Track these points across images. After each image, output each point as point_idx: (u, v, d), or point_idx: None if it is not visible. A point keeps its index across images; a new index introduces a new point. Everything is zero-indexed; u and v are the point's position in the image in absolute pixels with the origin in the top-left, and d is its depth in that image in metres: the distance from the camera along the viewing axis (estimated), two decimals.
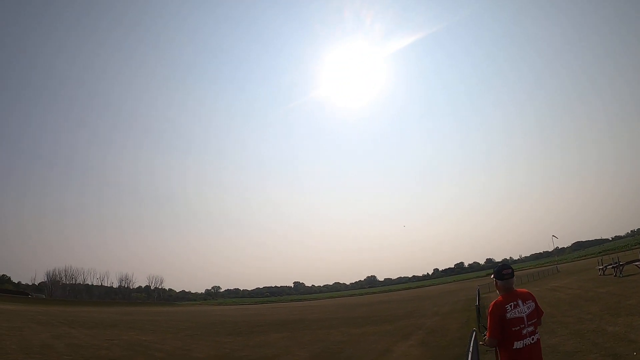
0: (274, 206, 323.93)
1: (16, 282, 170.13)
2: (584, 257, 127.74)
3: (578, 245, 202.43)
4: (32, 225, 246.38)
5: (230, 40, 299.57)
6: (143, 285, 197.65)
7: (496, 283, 5.41)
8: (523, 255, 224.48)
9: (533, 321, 5.11)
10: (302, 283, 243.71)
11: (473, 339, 6.21)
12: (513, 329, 4.96)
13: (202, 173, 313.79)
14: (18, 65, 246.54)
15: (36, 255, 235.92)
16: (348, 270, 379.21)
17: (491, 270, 5.65)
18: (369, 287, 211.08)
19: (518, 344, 4.93)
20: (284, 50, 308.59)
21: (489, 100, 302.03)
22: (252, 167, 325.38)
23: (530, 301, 5.20)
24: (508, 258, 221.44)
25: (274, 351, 18.61)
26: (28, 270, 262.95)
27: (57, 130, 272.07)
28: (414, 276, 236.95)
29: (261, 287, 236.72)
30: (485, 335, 5.36)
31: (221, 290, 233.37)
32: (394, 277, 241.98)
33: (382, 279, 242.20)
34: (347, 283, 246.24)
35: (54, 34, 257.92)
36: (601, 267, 40.34)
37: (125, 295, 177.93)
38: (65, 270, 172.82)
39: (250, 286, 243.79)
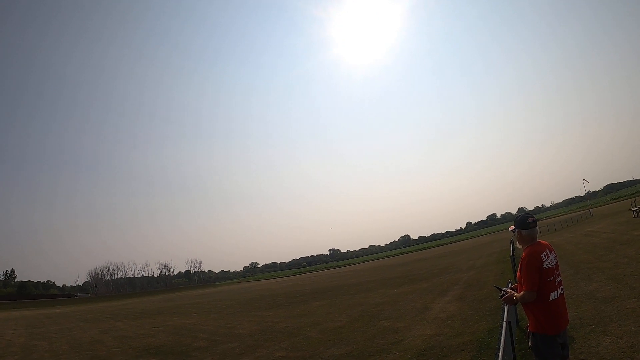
0: (303, 175, 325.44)
1: (61, 285, 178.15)
2: (616, 200, 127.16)
3: (610, 188, 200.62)
4: (67, 229, 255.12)
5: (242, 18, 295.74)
6: (183, 271, 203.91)
7: (520, 234, 5.17)
8: (555, 202, 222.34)
9: (559, 271, 5.04)
10: (338, 249, 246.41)
11: (510, 287, 5.74)
12: (548, 279, 4.83)
13: (228, 154, 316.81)
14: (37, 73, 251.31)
15: (77, 257, 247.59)
16: (381, 232, 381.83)
17: None
18: (404, 247, 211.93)
19: (553, 295, 4.81)
20: (297, 13, 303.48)
21: (504, 46, 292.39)
22: (277, 140, 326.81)
23: (553, 251, 5.10)
24: (540, 205, 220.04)
25: (314, 319, 19.34)
26: (71, 273, 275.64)
27: (78, 133, 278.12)
28: (447, 232, 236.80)
29: (298, 257, 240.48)
30: (504, 292, 5.34)
31: (259, 266, 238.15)
32: (427, 234, 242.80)
33: (416, 238, 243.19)
34: (382, 245, 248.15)
35: (65, 37, 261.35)
36: (634, 209, 40.39)
37: (166, 283, 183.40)
38: (106, 267, 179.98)
39: (287, 258, 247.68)
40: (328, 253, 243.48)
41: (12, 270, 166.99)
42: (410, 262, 62.86)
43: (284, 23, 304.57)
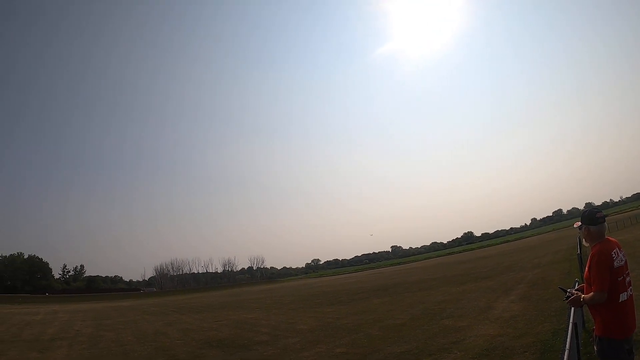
0: (365, 171, 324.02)
1: (127, 280, 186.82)
2: None
3: None
4: (134, 227, 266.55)
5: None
6: (246, 267, 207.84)
7: (587, 230, 4.83)
8: (624, 196, 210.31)
9: (628, 270, 4.72)
10: (400, 246, 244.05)
11: (576, 288, 5.34)
12: (618, 279, 4.52)
13: (288, 152, 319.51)
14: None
15: (143, 254, 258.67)
16: (444, 228, 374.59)
17: None
18: (467, 244, 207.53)
19: (623, 296, 4.50)
20: (350, 8, 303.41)
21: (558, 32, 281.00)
22: (336, 136, 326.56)
23: (622, 249, 4.78)
24: (608, 200, 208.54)
25: (375, 316, 19.36)
26: (138, 269, 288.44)
27: (150, 137, 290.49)
28: (511, 228, 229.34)
29: (359, 254, 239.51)
30: (570, 293, 4.98)
31: (321, 263, 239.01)
32: (490, 231, 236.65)
33: (479, 234, 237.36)
34: (444, 242, 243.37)
35: (137, 47, 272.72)
36: None
37: (230, 279, 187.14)
38: (171, 263, 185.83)
39: (348, 255, 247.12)
40: (390, 250, 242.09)
41: (82, 266, 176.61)
42: (473, 260, 61.70)
43: (339, 19, 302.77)
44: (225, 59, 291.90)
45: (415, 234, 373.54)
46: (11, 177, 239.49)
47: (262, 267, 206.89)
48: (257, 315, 27.32)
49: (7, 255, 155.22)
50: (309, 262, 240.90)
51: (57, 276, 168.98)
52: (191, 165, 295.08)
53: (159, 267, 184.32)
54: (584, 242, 5.07)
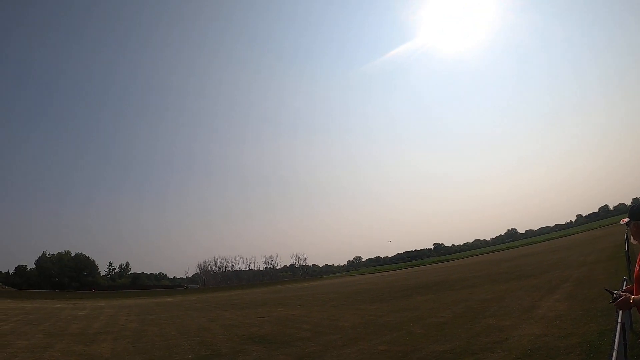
0: (406, 167, 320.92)
1: (171, 277, 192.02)
2: None
3: None
4: (178, 225, 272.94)
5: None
6: (288, 265, 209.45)
7: (636, 227, 4.39)
8: None
9: None
10: (442, 244, 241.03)
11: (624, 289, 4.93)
12: None
13: (329, 149, 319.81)
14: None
15: (187, 252, 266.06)
16: (487, 225, 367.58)
17: None
18: (510, 241, 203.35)
19: None
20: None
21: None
22: (379, 133, 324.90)
23: None
24: None
25: (418, 314, 19.39)
26: (181, 266, 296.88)
27: (189, 138, 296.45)
28: (556, 225, 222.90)
29: (401, 252, 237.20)
30: (617, 295, 4.43)
31: (362, 260, 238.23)
32: (535, 228, 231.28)
33: (523, 231, 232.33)
34: (488, 239, 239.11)
35: (168, 49, 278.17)
36: None
37: (272, 276, 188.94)
38: (214, 261, 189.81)
39: (390, 253, 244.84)
40: (432, 247, 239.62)
41: (127, 263, 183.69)
42: (517, 257, 60.65)
43: (376, 13, 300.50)
44: (261, 57, 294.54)
45: (457, 231, 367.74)
46: (60, 178, 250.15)
47: (304, 264, 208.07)
48: (299, 311, 27.59)
49: (55, 253, 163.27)
50: (351, 259, 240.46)
51: (103, 273, 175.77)
52: (234, 164, 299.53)
53: (202, 265, 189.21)
54: (631, 240, 4.72)
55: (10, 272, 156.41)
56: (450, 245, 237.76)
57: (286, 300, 40.04)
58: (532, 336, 11.32)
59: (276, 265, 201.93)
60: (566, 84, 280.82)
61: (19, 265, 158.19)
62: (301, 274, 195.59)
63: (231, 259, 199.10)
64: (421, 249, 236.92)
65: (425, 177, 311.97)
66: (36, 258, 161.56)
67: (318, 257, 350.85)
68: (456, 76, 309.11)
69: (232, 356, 13.84)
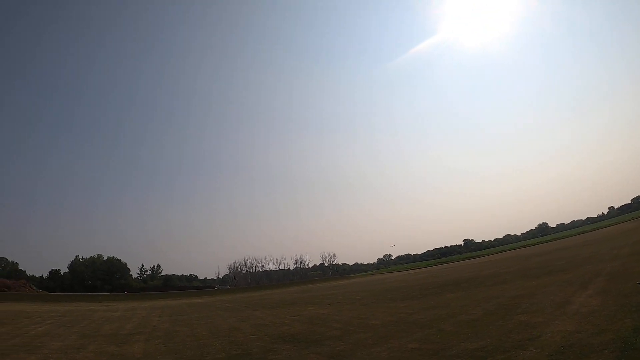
0: (435, 164, 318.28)
1: (202, 278, 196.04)
2: None
3: None
4: (208, 226, 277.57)
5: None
6: (317, 264, 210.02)
7: None
8: None
9: None
10: (472, 240, 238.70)
11: None
12: None
13: (354, 148, 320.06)
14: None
15: (217, 253, 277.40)
16: (518, 220, 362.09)
17: None
18: (542, 236, 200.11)
19: None
20: None
21: None
22: (404, 129, 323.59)
23: None
24: None
25: (448, 311, 19.29)
26: (212, 267, 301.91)
27: (221, 140, 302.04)
28: (587, 218, 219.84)
29: (431, 249, 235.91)
30: None
31: (392, 258, 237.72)
32: (566, 221, 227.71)
33: (555, 225, 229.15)
34: (518, 234, 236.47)
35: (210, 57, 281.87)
36: None
37: (302, 275, 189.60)
38: (244, 261, 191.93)
39: (420, 250, 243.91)
40: (462, 243, 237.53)
41: (159, 266, 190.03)
42: (549, 252, 59.89)
43: (398, 9, 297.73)
44: (284, 59, 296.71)
45: (487, 227, 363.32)
46: (91, 183, 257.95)
47: (333, 263, 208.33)
48: (329, 310, 27.63)
49: (88, 257, 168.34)
50: (380, 257, 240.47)
51: (135, 275, 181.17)
52: (261, 165, 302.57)
53: (232, 265, 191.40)
54: None
55: (44, 276, 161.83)
56: (480, 241, 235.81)
57: (316, 299, 40.14)
58: (565, 333, 11.20)
59: (306, 264, 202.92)
60: (594, 73, 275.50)
61: (52, 270, 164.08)
62: (331, 272, 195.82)
63: (261, 259, 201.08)
64: (451, 246, 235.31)
65: (453, 173, 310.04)
66: (69, 262, 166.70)
67: (348, 256, 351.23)
68: (481, 69, 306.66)
69: (262, 355, 13.98)
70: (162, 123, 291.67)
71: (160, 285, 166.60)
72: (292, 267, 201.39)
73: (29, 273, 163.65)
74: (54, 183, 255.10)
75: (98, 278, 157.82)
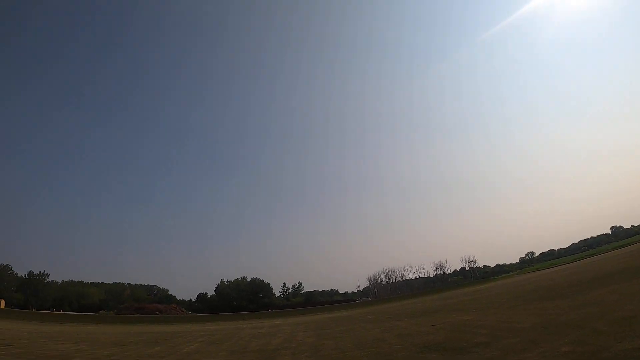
0: (558, 150, 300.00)
1: (343, 292, 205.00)
2: None
3: None
4: (346, 242, 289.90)
5: None
6: (458, 268, 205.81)
7: None
8: None
9: None
10: (620, 226, 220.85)
11: None
12: None
13: (484, 146, 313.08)
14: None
15: (357, 266, 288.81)
16: None
17: None
18: None
19: None
20: None
21: None
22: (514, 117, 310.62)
23: None
24: None
25: (601, 309, 18.31)
26: (352, 281, 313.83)
27: (345, 153, 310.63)
28: None
29: (576, 241, 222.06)
30: None
31: (535, 255, 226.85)
32: None
33: None
34: None
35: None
36: None
37: (442, 282, 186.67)
38: (384, 272, 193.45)
39: (564, 244, 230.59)
40: (610, 232, 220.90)
41: (300, 283, 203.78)
42: None
43: None
44: (412, 56, 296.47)
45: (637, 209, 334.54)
46: (234, 211, 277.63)
47: (474, 266, 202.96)
48: (474, 316, 27.13)
49: (232, 280, 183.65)
50: (523, 256, 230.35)
51: (277, 294, 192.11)
52: (395, 173, 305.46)
53: (372, 277, 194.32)
54: None
55: (193, 300, 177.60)
56: (629, 226, 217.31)
57: (459, 305, 39.46)
58: None
59: (446, 270, 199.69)
60: None
61: (200, 293, 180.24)
62: (472, 276, 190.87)
63: (400, 269, 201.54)
64: (597, 235, 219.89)
65: (580, 156, 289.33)
66: (215, 285, 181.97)
67: (489, 258, 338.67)
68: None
69: None
70: (298, 144, 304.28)
71: (303, 301, 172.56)
72: (432, 274, 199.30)
73: (178, 297, 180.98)
74: (199, 218, 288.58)
75: (243, 298, 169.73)
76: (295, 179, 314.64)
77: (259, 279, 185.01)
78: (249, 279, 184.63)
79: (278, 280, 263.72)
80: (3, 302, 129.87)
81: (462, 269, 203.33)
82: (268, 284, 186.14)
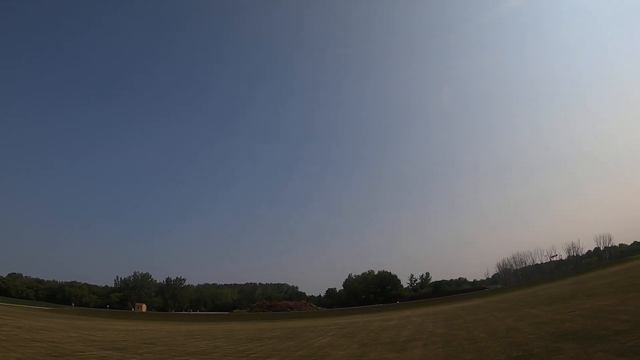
0: None
1: (471, 280, 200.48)
2: None
3: None
4: (473, 229, 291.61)
5: None
6: (592, 249, 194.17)
7: None
8: None
9: None
10: None
11: None
12: None
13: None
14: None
15: (485, 253, 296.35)
16: None
17: None
18: None
19: None
20: None
21: None
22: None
23: None
24: None
25: None
26: (480, 268, 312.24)
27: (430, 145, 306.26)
28: None
29: None
30: None
31: None
32: None
33: None
34: None
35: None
36: None
37: (575, 264, 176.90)
38: (514, 257, 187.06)
39: None
40: None
41: (427, 273, 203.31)
42: None
43: None
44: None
45: None
46: (361, 205, 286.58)
47: (609, 246, 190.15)
48: (613, 301, 25.59)
49: (360, 274, 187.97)
50: None
51: (405, 285, 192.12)
52: (507, 156, 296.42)
53: (501, 264, 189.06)
54: None
55: (322, 295, 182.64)
56: None
57: (596, 290, 37.32)
58: None
59: (579, 252, 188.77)
60: None
61: (329, 289, 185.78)
62: (608, 257, 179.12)
63: (530, 253, 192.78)
64: None
65: None
66: (343, 280, 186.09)
67: (626, 235, 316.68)
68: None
69: (545, 356, 13.64)
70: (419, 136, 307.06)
71: (431, 292, 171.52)
72: (564, 256, 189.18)
73: (308, 294, 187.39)
74: (324, 216, 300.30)
75: (371, 291, 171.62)
76: (420, 171, 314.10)
77: (387, 272, 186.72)
78: (376, 272, 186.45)
79: (405, 272, 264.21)
80: (144, 306, 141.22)
81: (597, 249, 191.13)
82: (395, 275, 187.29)
